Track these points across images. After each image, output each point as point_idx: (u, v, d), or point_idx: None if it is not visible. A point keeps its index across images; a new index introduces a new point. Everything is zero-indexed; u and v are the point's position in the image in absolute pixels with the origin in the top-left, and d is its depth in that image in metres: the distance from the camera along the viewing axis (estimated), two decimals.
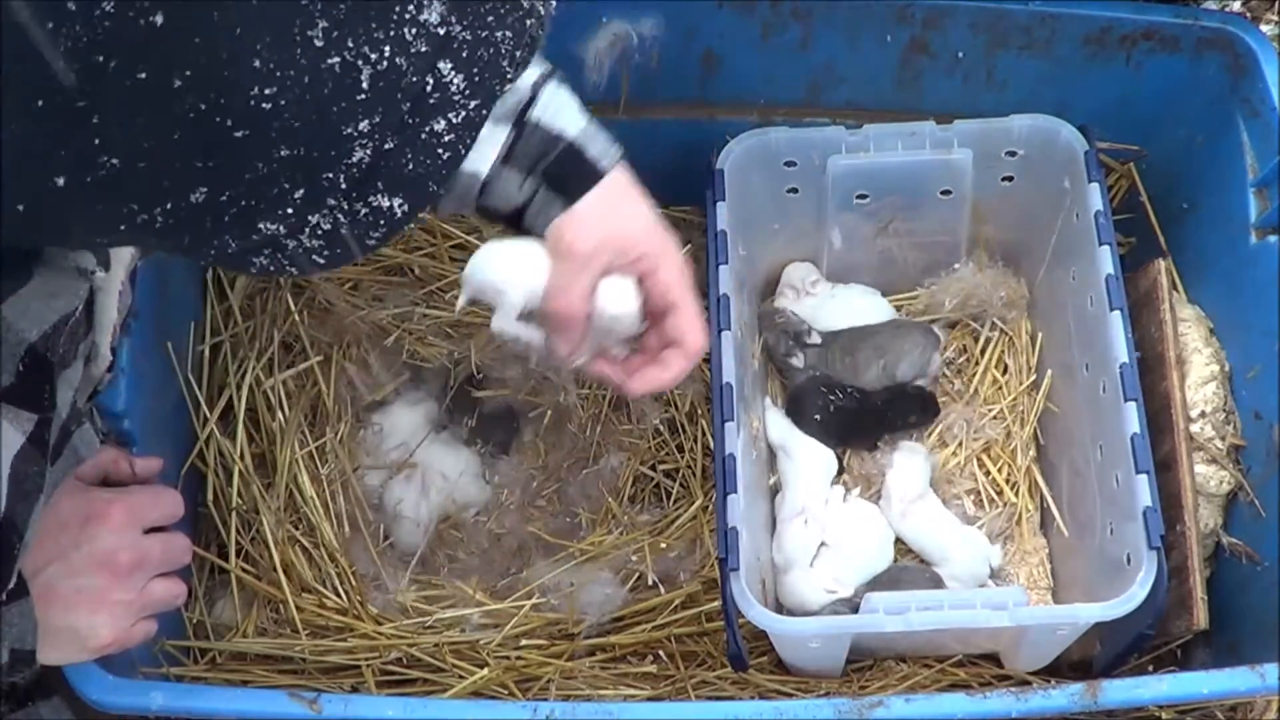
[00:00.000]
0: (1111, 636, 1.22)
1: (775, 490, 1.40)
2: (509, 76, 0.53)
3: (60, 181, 0.48)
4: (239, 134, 0.48)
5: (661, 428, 1.48)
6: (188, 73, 0.46)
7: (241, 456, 1.37)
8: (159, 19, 0.45)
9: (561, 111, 0.90)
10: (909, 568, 1.37)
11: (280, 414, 1.40)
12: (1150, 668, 1.33)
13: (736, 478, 1.19)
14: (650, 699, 1.27)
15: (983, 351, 1.48)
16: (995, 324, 1.48)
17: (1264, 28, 1.35)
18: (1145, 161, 1.46)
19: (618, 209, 0.92)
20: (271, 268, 0.55)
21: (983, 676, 1.31)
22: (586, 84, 1.37)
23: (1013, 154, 1.37)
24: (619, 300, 0.94)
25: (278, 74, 0.47)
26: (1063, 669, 1.31)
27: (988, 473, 1.42)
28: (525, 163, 0.89)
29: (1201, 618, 1.26)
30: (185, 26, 0.45)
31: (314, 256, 0.54)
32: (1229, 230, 1.35)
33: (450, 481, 1.44)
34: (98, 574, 0.95)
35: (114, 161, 0.48)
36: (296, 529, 1.36)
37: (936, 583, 1.34)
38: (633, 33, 1.32)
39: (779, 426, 1.40)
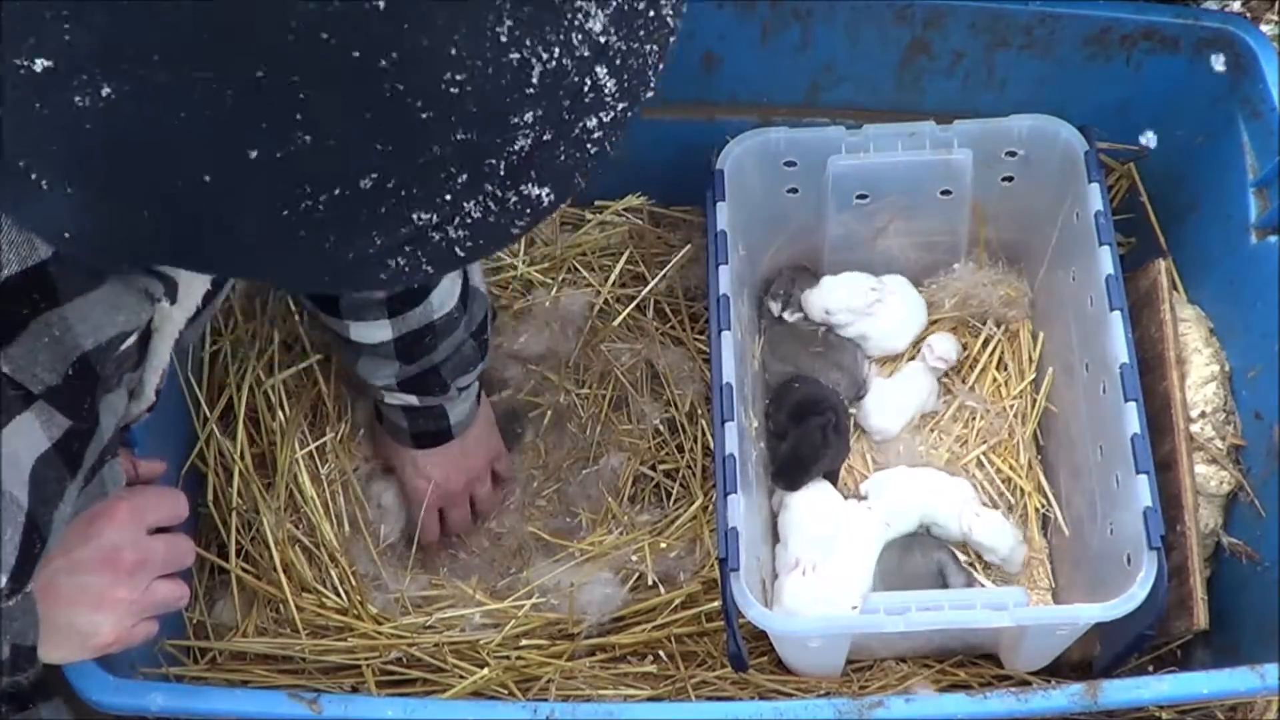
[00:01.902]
0: (1111, 636, 1.22)
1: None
2: (652, 84, 0.58)
3: (254, 154, 0.51)
4: (424, 115, 0.52)
5: (661, 428, 1.48)
6: (395, 54, 0.50)
7: (242, 456, 1.36)
8: (381, 3, 0.49)
9: (460, 407, 1.32)
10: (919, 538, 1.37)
11: (280, 414, 1.40)
12: (1150, 668, 1.33)
13: (736, 478, 1.19)
14: (650, 699, 1.27)
15: (983, 351, 1.48)
16: (996, 324, 1.48)
17: (1264, 28, 1.35)
18: (1145, 161, 1.46)
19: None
20: (407, 269, 0.57)
21: (983, 676, 1.31)
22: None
23: (1013, 154, 1.37)
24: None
25: (467, 62, 0.52)
26: (1063, 669, 1.31)
27: (998, 471, 1.42)
28: (414, 421, 1.31)
29: (1201, 618, 1.26)
30: (400, 12, 0.50)
31: (455, 249, 0.57)
32: (1229, 230, 1.35)
33: None
34: (101, 571, 0.95)
35: (307, 138, 0.51)
36: (297, 529, 1.36)
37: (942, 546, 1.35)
38: None
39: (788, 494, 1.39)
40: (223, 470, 1.36)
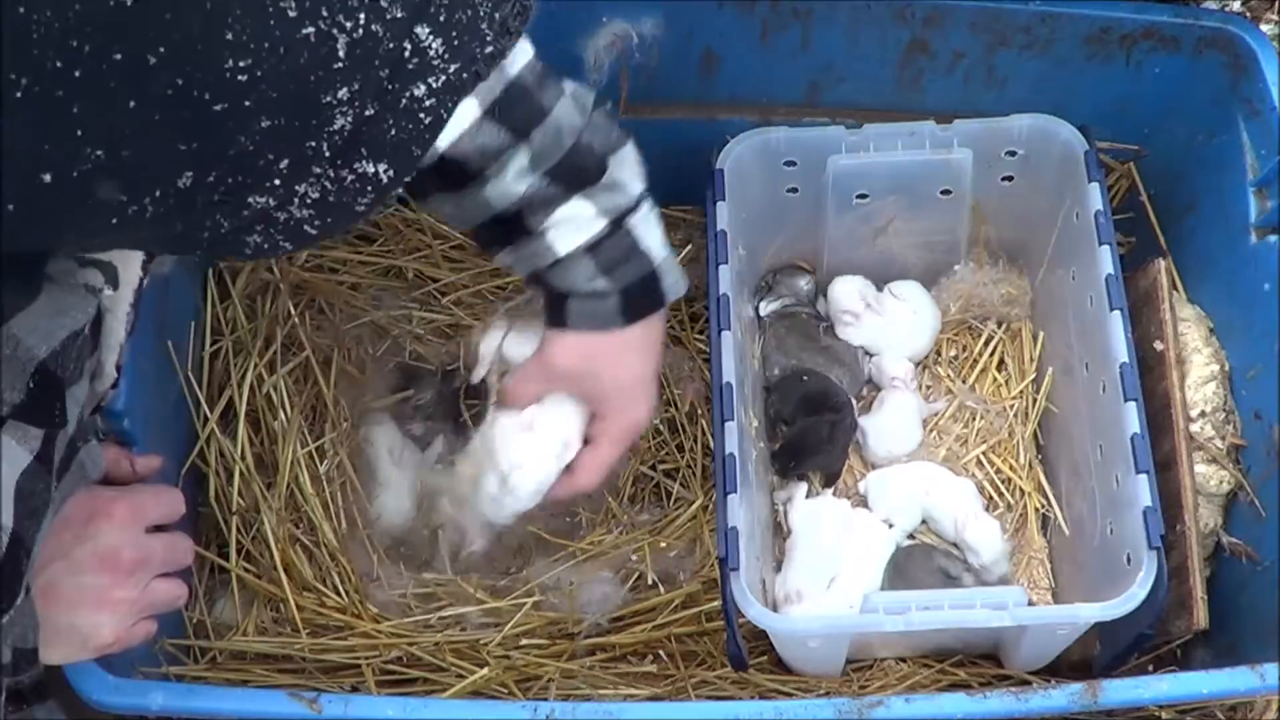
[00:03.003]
0: (1111, 636, 1.22)
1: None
2: (488, 39, 0.53)
3: (48, 178, 0.48)
4: (218, 107, 0.48)
5: (661, 428, 1.48)
6: (161, 49, 0.46)
7: (242, 456, 1.37)
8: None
9: (653, 230, 1.02)
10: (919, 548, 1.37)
11: (281, 414, 1.40)
12: (1150, 668, 1.33)
13: (736, 477, 1.19)
14: (650, 699, 1.27)
15: (984, 350, 1.48)
16: (998, 323, 1.48)
17: (1264, 28, 1.35)
18: (1145, 161, 1.46)
19: (619, 359, 1.04)
20: (266, 245, 0.55)
21: (983, 676, 1.31)
22: (586, 84, 1.37)
23: (1013, 154, 1.37)
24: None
25: (251, 45, 0.47)
26: (1063, 669, 1.31)
27: (998, 471, 1.42)
28: (606, 261, 0.99)
29: (1201, 618, 1.26)
30: (155, 3, 0.45)
31: (305, 227, 0.54)
32: (1229, 230, 1.35)
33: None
34: (100, 572, 0.95)
35: (99, 153, 0.48)
36: (297, 528, 1.36)
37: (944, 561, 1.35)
38: (633, 33, 1.32)
39: (799, 509, 1.39)
40: (223, 470, 1.36)
